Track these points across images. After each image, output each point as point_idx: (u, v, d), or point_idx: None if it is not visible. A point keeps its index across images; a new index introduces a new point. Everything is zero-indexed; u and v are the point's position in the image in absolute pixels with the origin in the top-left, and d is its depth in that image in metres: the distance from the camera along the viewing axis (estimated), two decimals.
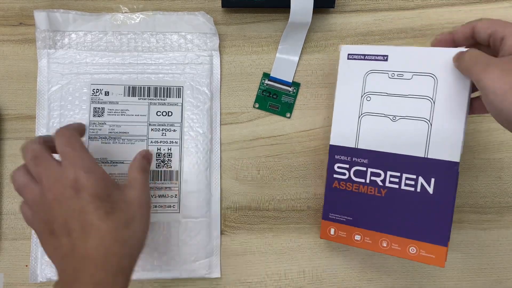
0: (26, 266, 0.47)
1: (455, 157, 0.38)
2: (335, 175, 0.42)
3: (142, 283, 0.47)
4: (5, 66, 0.49)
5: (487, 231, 0.48)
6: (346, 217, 0.42)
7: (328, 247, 0.48)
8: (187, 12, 0.48)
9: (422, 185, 0.39)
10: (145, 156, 0.40)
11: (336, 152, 0.42)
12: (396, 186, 0.40)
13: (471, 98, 0.39)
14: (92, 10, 0.50)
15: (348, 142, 0.42)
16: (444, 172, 0.39)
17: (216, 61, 0.48)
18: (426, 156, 0.39)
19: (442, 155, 0.39)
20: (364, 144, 0.41)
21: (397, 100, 0.40)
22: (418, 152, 0.39)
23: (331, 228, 0.43)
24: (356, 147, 0.41)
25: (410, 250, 0.40)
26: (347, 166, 0.42)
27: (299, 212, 0.48)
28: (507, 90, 0.31)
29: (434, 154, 0.39)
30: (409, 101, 0.39)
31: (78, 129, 0.40)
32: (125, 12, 0.49)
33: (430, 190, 0.39)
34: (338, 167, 0.42)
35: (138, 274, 0.45)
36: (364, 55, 0.41)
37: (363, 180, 0.41)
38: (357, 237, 0.42)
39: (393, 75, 0.40)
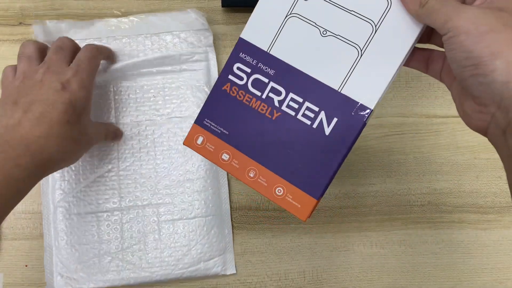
0: (26, 266, 0.47)
1: (371, 103, 0.33)
2: (230, 76, 0.36)
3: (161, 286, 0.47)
4: (4, 66, 0.49)
5: (487, 231, 0.48)
6: (222, 129, 0.36)
7: (329, 247, 0.48)
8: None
9: (321, 121, 0.34)
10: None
11: (243, 50, 0.35)
12: (292, 113, 0.34)
13: (414, 48, 0.34)
14: (92, 9, 0.50)
15: (261, 42, 0.35)
16: (351, 116, 0.33)
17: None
18: (339, 90, 0.33)
19: (357, 96, 0.33)
20: (278, 52, 0.34)
21: (337, 12, 0.33)
22: (333, 82, 0.33)
23: (200, 136, 0.36)
24: (268, 51, 0.35)
25: (276, 191, 0.35)
26: (248, 70, 0.35)
27: None
28: (485, 32, 0.26)
29: (349, 91, 0.33)
30: (349, 18, 0.33)
31: (105, 53, 0.45)
32: (118, 17, 0.49)
33: (327, 131, 0.33)
34: (238, 68, 0.35)
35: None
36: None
37: (259, 94, 0.35)
38: (225, 156, 0.36)
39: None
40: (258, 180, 0.35)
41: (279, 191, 0.35)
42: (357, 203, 0.48)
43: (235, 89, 0.35)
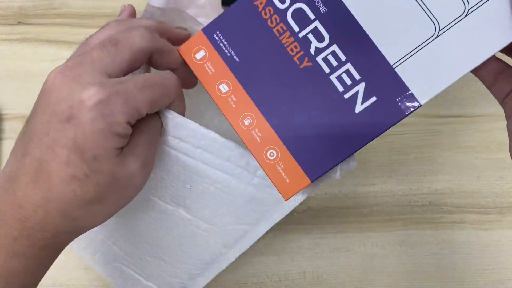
0: None
1: (423, 97, 0.27)
2: None
3: None
4: (4, 65, 0.49)
5: (488, 232, 0.48)
6: (232, 53, 0.28)
7: (329, 248, 0.47)
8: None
9: (356, 94, 0.27)
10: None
11: None
12: (327, 70, 0.27)
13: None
14: (91, 9, 0.50)
15: None
16: (394, 102, 0.27)
17: None
18: (394, 67, 0.27)
19: (412, 82, 0.27)
20: None
21: None
22: (391, 54, 0.27)
23: (202, 49, 0.29)
24: None
25: (268, 153, 0.28)
26: None
27: (299, 213, 0.48)
28: None
29: (405, 73, 0.27)
30: None
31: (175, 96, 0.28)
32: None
33: (359, 108, 0.27)
34: None
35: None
36: None
37: (297, 29, 0.27)
38: (223, 87, 0.29)
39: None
40: (252, 132, 0.28)
41: (272, 154, 0.28)
42: (358, 204, 0.48)
43: (269, 10, 0.28)
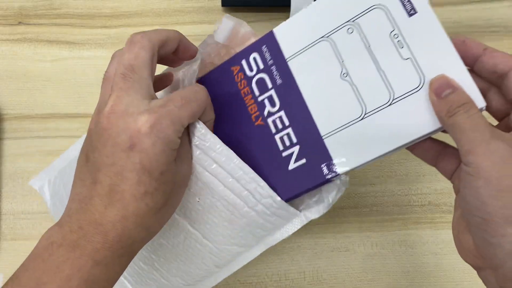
0: None
1: (341, 168, 0.30)
2: (243, 61, 0.34)
3: None
4: (4, 65, 0.49)
5: None
6: None
7: (329, 248, 0.47)
8: None
9: (291, 154, 0.32)
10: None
11: (267, 44, 0.33)
12: (273, 130, 0.33)
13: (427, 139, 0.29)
14: (91, 9, 0.50)
15: (286, 47, 0.32)
16: (319, 167, 0.31)
17: None
18: (323, 138, 0.31)
19: (335, 153, 0.31)
20: (295, 66, 0.32)
21: (367, 63, 0.30)
22: (322, 126, 0.31)
23: None
24: (287, 60, 0.32)
25: None
26: (261, 66, 0.33)
27: None
28: (506, 188, 0.22)
29: (332, 144, 0.31)
30: (374, 75, 0.30)
31: (161, 41, 0.31)
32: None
33: (291, 166, 0.32)
34: (254, 59, 0.33)
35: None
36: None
37: (257, 94, 0.33)
38: None
39: (396, 36, 0.29)
40: None
41: None
42: (358, 203, 0.48)
43: (241, 75, 0.34)
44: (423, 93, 0.28)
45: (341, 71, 0.31)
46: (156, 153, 0.27)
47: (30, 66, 0.49)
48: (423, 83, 0.28)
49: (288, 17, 0.45)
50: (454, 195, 0.48)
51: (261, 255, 0.47)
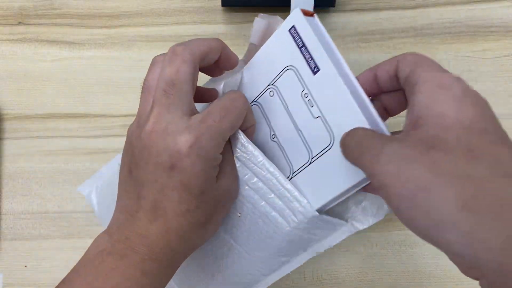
0: (26, 266, 0.46)
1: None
2: None
3: None
4: (4, 65, 0.49)
5: None
6: None
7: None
8: None
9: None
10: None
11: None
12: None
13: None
14: (91, 9, 0.50)
15: None
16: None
17: None
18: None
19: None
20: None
21: (289, 125, 0.31)
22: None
23: None
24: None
25: None
26: None
27: None
28: (415, 192, 0.20)
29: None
30: (294, 137, 0.31)
31: (203, 52, 0.30)
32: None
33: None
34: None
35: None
36: (303, 45, 0.30)
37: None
38: None
39: (306, 95, 0.30)
40: None
41: None
42: None
43: None
44: (336, 150, 0.28)
45: (270, 133, 0.32)
46: (196, 172, 0.27)
47: (30, 66, 0.49)
48: (333, 140, 0.29)
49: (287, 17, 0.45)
50: None
51: None
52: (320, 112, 0.29)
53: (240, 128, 0.31)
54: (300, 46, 0.30)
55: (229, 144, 0.31)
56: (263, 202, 0.32)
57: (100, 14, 0.50)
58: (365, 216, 0.33)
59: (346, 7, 0.49)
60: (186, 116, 0.28)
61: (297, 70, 0.30)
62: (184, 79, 0.28)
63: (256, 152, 0.31)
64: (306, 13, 0.30)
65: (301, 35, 0.30)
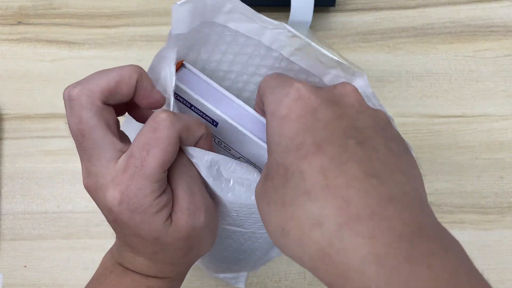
0: (25, 266, 0.46)
1: None
2: None
3: None
4: (3, 65, 0.49)
5: (488, 232, 0.48)
6: None
7: None
8: None
9: None
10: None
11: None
12: None
13: None
14: (91, 9, 0.50)
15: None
16: None
17: None
18: None
19: None
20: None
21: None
22: None
23: None
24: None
25: None
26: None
27: None
28: (264, 221, 0.22)
29: None
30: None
31: (105, 90, 0.25)
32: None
33: None
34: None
35: None
36: (191, 105, 0.29)
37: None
38: None
39: (219, 143, 0.30)
40: None
41: None
42: None
43: None
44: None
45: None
46: (137, 224, 0.24)
47: (30, 66, 0.49)
48: (260, 170, 0.29)
49: (288, 17, 0.45)
50: (454, 196, 0.48)
51: None
52: (239, 153, 0.30)
53: (188, 145, 0.26)
54: (189, 106, 0.29)
55: (184, 172, 0.26)
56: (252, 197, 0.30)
57: (100, 14, 0.50)
58: None
59: (346, 7, 0.49)
60: (111, 162, 0.24)
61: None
62: (91, 126, 0.24)
63: (221, 158, 0.27)
64: (176, 65, 0.29)
65: (183, 97, 0.29)
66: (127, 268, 0.28)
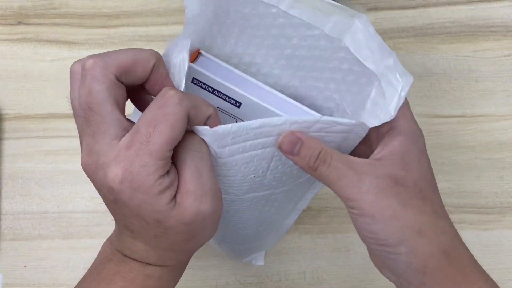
0: (25, 266, 0.46)
1: None
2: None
3: None
4: (3, 65, 0.49)
5: (488, 232, 0.48)
6: None
7: (329, 248, 0.47)
8: None
9: None
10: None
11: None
12: None
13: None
14: (91, 9, 0.50)
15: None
16: None
17: None
18: None
19: None
20: None
21: None
22: None
23: None
24: None
25: None
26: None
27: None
28: (389, 218, 0.26)
29: None
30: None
31: (121, 66, 0.24)
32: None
33: None
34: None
35: None
36: (213, 89, 0.29)
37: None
38: None
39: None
40: None
41: None
42: None
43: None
44: None
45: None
46: (138, 204, 0.24)
47: (30, 66, 0.49)
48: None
49: None
50: (454, 196, 0.48)
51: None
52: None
53: (197, 124, 0.25)
54: (211, 91, 0.29)
55: (193, 154, 0.25)
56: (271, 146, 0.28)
57: (100, 13, 0.50)
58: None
59: None
60: (115, 140, 0.24)
61: (222, 110, 0.30)
62: (100, 100, 0.23)
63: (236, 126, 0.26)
64: (193, 55, 0.29)
65: (204, 81, 0.29)
66: (126, 256, 0.27)
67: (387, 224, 0.26)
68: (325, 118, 0.27)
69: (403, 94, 0.27)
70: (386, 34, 0.49)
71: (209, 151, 0.26)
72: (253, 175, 0.30)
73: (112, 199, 0.24)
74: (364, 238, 0.29)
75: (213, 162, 0.28)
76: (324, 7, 0.27)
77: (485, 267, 0.47)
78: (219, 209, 0.27)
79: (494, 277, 0.47)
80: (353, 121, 0.28)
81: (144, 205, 0.24)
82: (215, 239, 0.42)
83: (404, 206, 0.26)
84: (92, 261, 0.30)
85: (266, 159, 0.29)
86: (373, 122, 0.28)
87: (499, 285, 0.48)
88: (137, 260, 0.27)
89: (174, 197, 0.24)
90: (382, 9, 0.49)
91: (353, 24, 0.28)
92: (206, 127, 0.25)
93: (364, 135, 0.29)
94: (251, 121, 0.26)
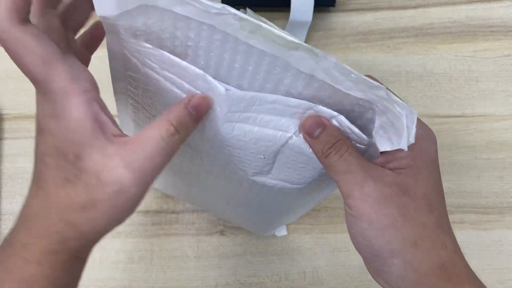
0: None
1: None
2: None
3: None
4: (3, 65, 0.49)
5: (488, 232, 0.48)
6: None
7: (329, 248, 0.47)
8: None
9: None
10: (191, 105, 0.26)
11: None
12: None
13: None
14: None
15: None
16: None
17: None
18: None
19: None
20: None
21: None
22: None
23: None
24: None
25: None
26: None
27: None
28: (386, 226, 0.25)
29: None
30: None
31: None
32: None
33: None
34: None
35: None
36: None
37: None
38: None
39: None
40: None
41: None
42: None
43: None
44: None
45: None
46: (59, 129, 0.23)
47: None
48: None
49: (288, 17, 0.45)
50: (454, 196, 0.48)
51: (261, 255, 0.47)
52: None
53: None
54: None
55: (152, 142, 0.24)
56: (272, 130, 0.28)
57: None
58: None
59: (346, 7, 0.49)
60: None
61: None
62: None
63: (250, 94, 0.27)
64: None
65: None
66: (10, 234, 0.25)
67: (383, 232, 0.25)
68: (342, 118, 0.26)
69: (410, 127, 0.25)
70: (386, 34, 0.49)
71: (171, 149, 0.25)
72: (263, 156, 0.30)
73: (39, 129, 0.24)
74: (357, 245, 0.28)
75: (224, 130, 0.28)
76: (283, 42, 0.24)
77: (485, 267, 0.47)
78: (138, 199, 0.25)
79: (494, 277, 0.47)
80: (365, 137, 0.27)
81: (72, 132, 0.23)
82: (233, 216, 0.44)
83: (405, 216, 0.26)
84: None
85: (277, 145, 0.29)
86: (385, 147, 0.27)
87: (499, 285, 0.48)
88: (18, 239, 0.25)
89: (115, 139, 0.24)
90: (382, 9, 0.49)
91: (320, 62, 0.24)
92: (223, 88, 0.26)
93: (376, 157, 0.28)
94: (266, 94, 0.27)
